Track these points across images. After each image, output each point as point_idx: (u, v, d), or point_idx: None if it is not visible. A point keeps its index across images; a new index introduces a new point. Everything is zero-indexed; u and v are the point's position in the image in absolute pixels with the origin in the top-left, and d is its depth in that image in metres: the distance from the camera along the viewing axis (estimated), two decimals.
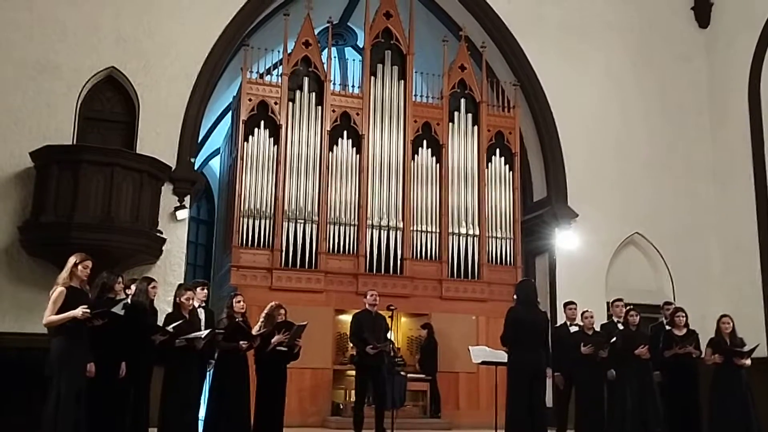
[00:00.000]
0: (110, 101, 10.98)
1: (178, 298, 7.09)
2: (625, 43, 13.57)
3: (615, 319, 9.27)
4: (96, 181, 9.59)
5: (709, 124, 13.64)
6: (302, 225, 11.18)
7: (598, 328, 9.07)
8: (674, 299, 11.86)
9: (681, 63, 13.78)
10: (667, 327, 9.01)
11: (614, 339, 8.75)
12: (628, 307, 9.04)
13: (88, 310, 5.71)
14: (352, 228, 11.47)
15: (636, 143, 13.19)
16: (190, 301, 7.11)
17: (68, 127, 10.33)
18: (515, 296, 7.75)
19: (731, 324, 8.37)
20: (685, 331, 8.70)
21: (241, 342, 7.31)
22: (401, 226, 11.69)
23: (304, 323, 7.91)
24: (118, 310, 6.12)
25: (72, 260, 5.88)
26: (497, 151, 12.48)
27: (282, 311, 8.08)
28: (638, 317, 8.91)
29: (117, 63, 10.77)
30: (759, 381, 9.14)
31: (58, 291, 5.74)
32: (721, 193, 13.21)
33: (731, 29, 13.39)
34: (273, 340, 7.69)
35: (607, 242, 12.60)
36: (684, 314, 8.80)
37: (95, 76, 10.67)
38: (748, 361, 8.18)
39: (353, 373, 9.28)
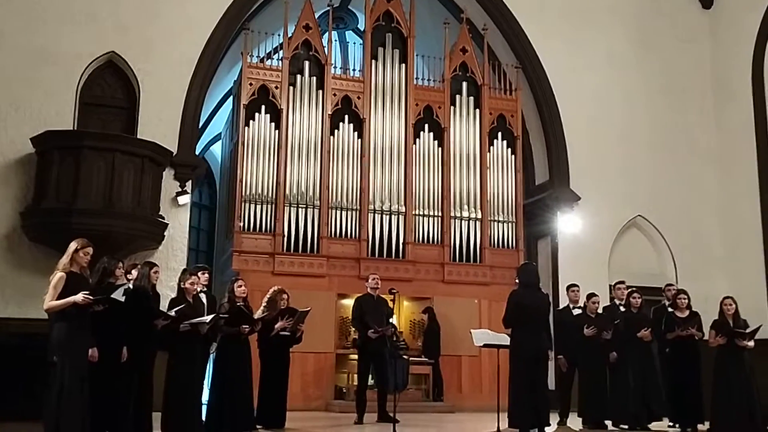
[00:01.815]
0: (111, 86, 10.96)
1: (182, 283, 7.10)
2: (628, 25, 13.48)
3: (617, 302, 9.27)
4: (97, 167, 9.60)
5: (712, 107, 13.58)
6: (304, 210, 11.17)
7: (600, 311, 9.08)
8: (677, 281, 11.85)
9: (684, 45, 13.68)
10: (670, 309, 9.01)
11: (617, 321, 8.76)
12: (630, 290, 9.04)
13: (90, 296, 5.70)
14: (353, 212, 11.46)
15: (638, 126, 13.14)
16: (194, 286, 7.11)
17: (69, 113, 10.32)
18: (517, 280, 7.75)
19: (734, 306, 8.36)
20: (687, 313, 8.71)
21: (243, 326, 7.32)
22: (403, 210, 11.67)
23: (308, 309, 7.93)
24: (118, 295, 6.10)
25: (73, 246, 5.87)
26: (499, 134, 12.44)
27: (285, 296, 8.09)
28: (640, 299, 8.93)
29: (117, 48, 10.73)
30: (762, 362, 9.14)
31: (58, 276, 5.73)
32: (723, 176, 13.16)
33: (735, 10, 13.29)
34: (276, 326, 7.71)
35: (609, 225, 12.59)
36: (686, 296, 8.80)
37: (95, 62, 10.64)
38: (751, 343, 8.17)
39: (356, 357, 9.31)
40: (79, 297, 5.64)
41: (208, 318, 6.93)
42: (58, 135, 9.78)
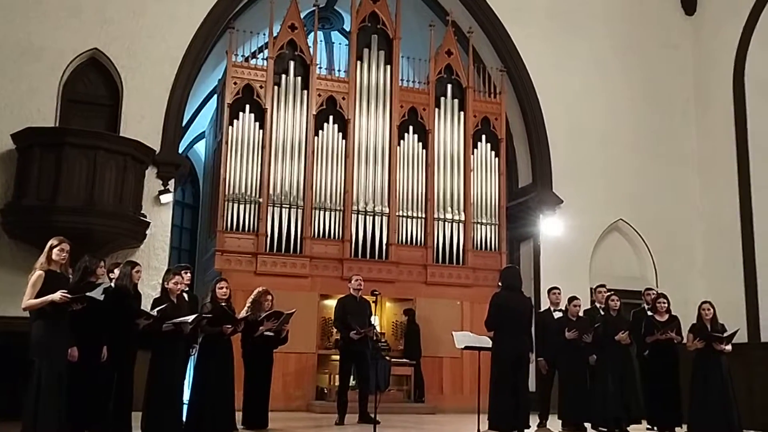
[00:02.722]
0: (93, 83, 10.88)
1: (166, 283, 7.05)
2: (612, 30, 13.59)
3: (598, 305, 9.34)
4: (79, 164, 9.53)
5: (694, 112, 13.72)
6: (287, 210, 11.16)
7: (581, 314, 9.14)
8: (657, 285, 11.98)
9: (667, 50, 13.82)
10: (649, 313, 9.10)
11: (597, 324, 8.82)
12: (608, 293, 9.13)
13: (68, 294, 5.66)
14: (337, 213, 11.46)
15: (621, 130, 13.24)
16: (178, 286, 7.07)
17: (51, 110, 10.22)
18: (500, 283, 7.78)
19: (712, 310, 8.45)
20: (666, 317, 8.79)
21: (225, 326, 7.30)
22: (387, 211, 11.69)
23: (292, 311, 7.92)
24: (97, 293, 6.05)
25: (49, 244, 5.85)
26: (483, 137, 12.50)
27: (269, 297, 8.07)
28: (619, 303, 9.03)
29: (100, 45, 10.66)
30: (739, 366, 9.26)
31: (36, 275, 5.70)
32: (704, 180, 13.30)
33: (717, 16, 13.43)
34: (261, 328, 7.70)
35: (591, 228, 12.68)
36: (666, 300, 8.88)
37: (78, 58, 10.55)
38: (729, 347, 8.26)
39: (338, 357, 9.31)
40: (57, 295, 5.61)
41: (190, 318, 6.90)
42: (39, 132, 9.69)
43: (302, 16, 12.02)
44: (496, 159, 12.53)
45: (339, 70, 12.24)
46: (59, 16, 10.47)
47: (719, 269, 12.52)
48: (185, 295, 7.44)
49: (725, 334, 8.28)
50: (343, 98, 11.85)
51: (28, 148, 9.58)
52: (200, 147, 15.39)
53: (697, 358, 8.38)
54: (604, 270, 12.30)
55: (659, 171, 13.27)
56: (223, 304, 7.45)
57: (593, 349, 8.78)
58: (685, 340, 8.61)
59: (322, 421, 9.00)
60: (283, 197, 11.18)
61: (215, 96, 13.00)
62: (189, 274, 7.89)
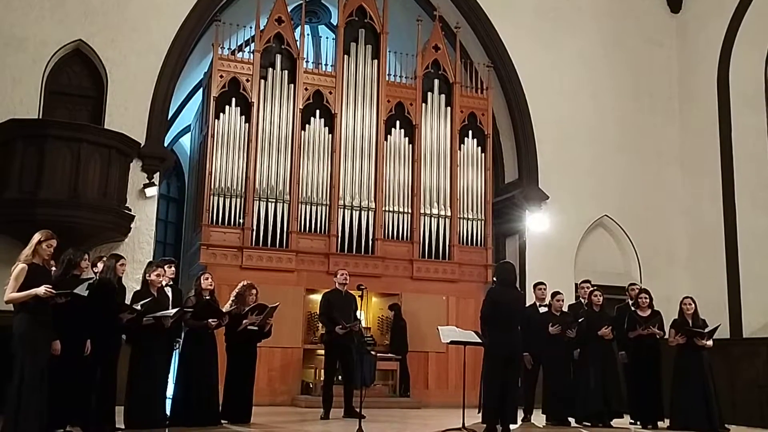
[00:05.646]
0: (78, 75, 10.79)
1: (147, 276, 7.02)
2: (599, 28, 13.63)
3: (582, 300, 9.40)
4: (62, 157, 9.45)
5: (678, 109, 13.79)
6: (273, 204, 11.12)
7: (565, 309, 9.19)
8: (641, 281, 12.06)
9: (653, 48, 13.88)
10: (632, 308, 9.16)
11: (581, 320, 8.88)
12: (591, 289, 9.18)
13: (52, 290, 5.61)
14: (323, 207, 11.44)
15: (607, 127, 13.30)
16: (160, 279, 7.04)
17: (34, 101, 10.12)
18: (494, 278, 7.78)
19: (693, 305, 8.53)
20: (649, 312, 8.86)
21: (210, 320, 7.28)
22: (373, 206, 11.68)
23: (276, 304, 7.91)
24: (81, 290, 6.00)
25: (36, 237, 5.78)
26: (470, 132, 12.51)
27: (254, 291, 8.04)
28: (602, 298, 9.08)
29: (85, 36, 10.56)
30: (720, 362, 9.34)
31: (19, 267, 5.64)
32: (688, 178, 13.39)
33: (702, 15, 13.50)
34: (245, 322, 7.68)
35: (576, 224, 12.74)
36: (648, 296, 8.95)
37: (62, 50, 10.45)
38: (710, 342, 8.34)
39: (323, 352, 9.29)
40: (41, 290, 5.56)
41: (171, 311, 6.87)
42: (22, 123, 9.60)
43: (289, 10, 11.96)
44: (483, 154, 12.54)
45: (326, 64, 12.20)
46: (43, 7, 10.36)
47: (702, 265, 12.62)
48: (169, 288, 7.40)
49: (706, 330, 8.36)
50: (330, 92, 11.82)
51: (11, 141, 9.49)
52: (186, 140, 15.30)
53: (679, 353, 8.46)
54: (588, 266, 12.37)
55: (644, 168, 13.34)
56: (207, 297, 7.43)
57: (577, 344, 8.83)
58: (667, 335, 8.68)
59: (308, 415, 8.99)
60: (269, 191, 11.15)
61: (201, 89, 12.92)
62: (173, 268, 7.86)
